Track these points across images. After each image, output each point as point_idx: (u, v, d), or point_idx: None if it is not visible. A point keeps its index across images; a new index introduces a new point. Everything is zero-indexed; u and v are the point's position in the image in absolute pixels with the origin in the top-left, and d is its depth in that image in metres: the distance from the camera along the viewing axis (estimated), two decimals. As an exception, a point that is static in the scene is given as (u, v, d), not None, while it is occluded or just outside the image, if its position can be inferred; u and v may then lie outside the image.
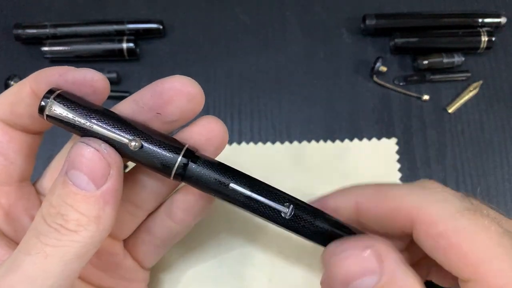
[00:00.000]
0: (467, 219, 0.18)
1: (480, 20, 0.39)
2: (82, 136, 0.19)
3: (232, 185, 0.20)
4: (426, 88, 0.38)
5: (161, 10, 0.41)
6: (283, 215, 0.20)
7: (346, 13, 0.41)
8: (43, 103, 0.19)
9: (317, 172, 0.35)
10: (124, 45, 0.38)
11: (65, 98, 0.19)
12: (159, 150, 0.20)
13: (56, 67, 0.20)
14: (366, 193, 0.21)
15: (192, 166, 0.20)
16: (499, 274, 0.17)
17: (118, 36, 0.38)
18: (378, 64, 0.37)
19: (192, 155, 0.20)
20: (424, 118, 0.37)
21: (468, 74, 0.38)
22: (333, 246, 0.19)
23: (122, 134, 0.19)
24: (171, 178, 0.20)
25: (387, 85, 0.38)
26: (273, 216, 0.20)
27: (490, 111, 0.38)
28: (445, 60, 0.38)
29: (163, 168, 0.20)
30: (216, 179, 0.20)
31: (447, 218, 0.18)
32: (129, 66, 0.39)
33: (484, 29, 0.38)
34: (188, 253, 0.33)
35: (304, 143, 0.36)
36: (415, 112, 0.37)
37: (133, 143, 0.19)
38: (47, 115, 0.19)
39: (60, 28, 0.38)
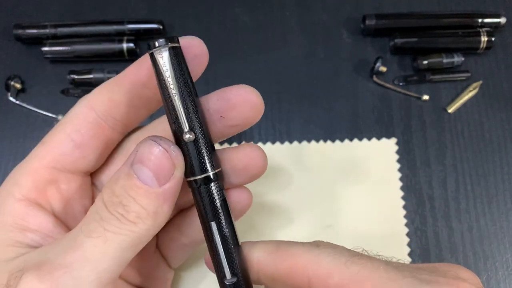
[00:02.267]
0: (357, 265, 0.19)
1: (479, 20, 0.39)
2: (163, 94, 0.20)
3: (213, 224, 0.21)
4: (426, 88, 0.38)
5: (161, 10, 0.41)
6: (224, 279, 0.21)
7: (346, 13, 0.41)
8: (157, 43, 0.19)
9: (317, 172, 0.35)
10: (124, 45, 0.38)
11: (177, 54, 0.20)
12: (198, 157, 0.20)
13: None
14: (268, 248, 0.21)
15: (207, 185, 0.21)
16: None
17: (118, 36, 0.38)
18: (378, 64, 0.37)
19: (212, 179, 0.21)
20: (424, 118, 0.37)
21: (468, 74, 0.38)
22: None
23: (189, 120, 0.20)
24: (186, 180, 0.21)
25: (387, 85, 0.38)
26: (218, 272, 0.21)
27: (490, 111, 0.38)
28: (445, 60, 0.38)
29: (188, 172, 0.20)
30: (211, 208, 0.21)
31: (339, 268, 0.19)
32: (129, 66, 0.39)
33: (484, 29, 0.38)
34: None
35: (304, 143, 0.36)
36: (415, 112, 0.37)
37: (188, 136, 0.20)
38: (151, 54, 0.19)
39: (60, 28, 0.38)
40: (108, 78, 0.37)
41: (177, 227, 0.26)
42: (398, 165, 0.36)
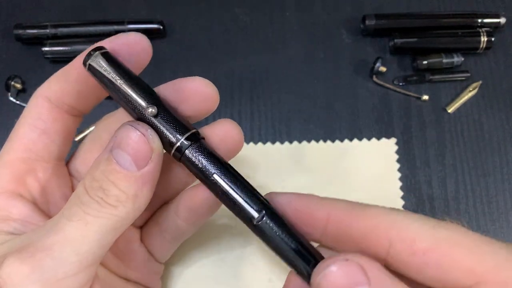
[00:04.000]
0: (446, 229, 0.18)
1: (479, 20, 0.39)
2: (111, 94, 0.21)
3: (215, 176, 0.21)
4: (426, 88, 0.38)
5: (161, 10, 0.41)
6: (253, 220, 0.20)
7: (346, 14, 0.41)
8: (87, 56, 0.21)
9: (317, 172, 0.35)
10: (125, 45, 0.38)
11: (108, 55, 0.21)
12: (169, 126, 0.21)
13: (106, 39, 0.22)
14: (342, 207, 0.20)
15: (188, 149, 0.21)
16: (498, 270, 0.17)
17: (119, 36, 0.38)
18: (377, 64, 0.37)
19: (195, 139, 0.21)
20: (423, 118, 0.37)
21: (468, 74, 0.38)
22: (317, 267, 0.19)
23: (143, 98, 0.21)
24: (171, 155, 0.21)
25: (387, 85, 0.38)
26: (243, 218, 0.21)
27: (489, 111, 0.38)
28: (445, 60, 0.38)
29: (167, 144, 0.21)
30: (203, 166, 0.21)
31: (428, 232, 0.18)
32: (129, 66, 0.39)
33: (484, 29, 0.38)
34: (188, 253, 0.33)
35: (304, 143, 0.36)
36: (415, 112, 0.38)
37: (150, 110, 0.21)
38: (89, 65, 0.21)
39: (61, 29, 0.38)
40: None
41: (157, 222, 0.27)
42: (397, 165, 0.36)
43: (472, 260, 0.17)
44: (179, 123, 0.21)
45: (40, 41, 0.38)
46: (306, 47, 0.40)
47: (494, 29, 0.39)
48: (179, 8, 0.41)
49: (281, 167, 0.35)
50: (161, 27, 0.39)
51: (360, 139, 0.37)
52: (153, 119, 0.21)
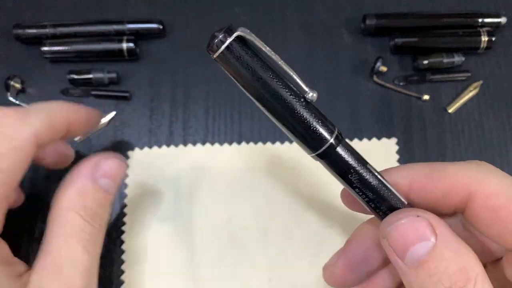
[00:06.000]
0: None
1: (480, 20, 0.39)
2: (255, 82, 0.19)
3: (368, 166, 0.21)
4: (426, 88, 0.38)
5: (161, 10, 0.41)
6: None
7: (346, 13, 0.40)
8: (220, 37, 0.18)
9: (317, 172, 0.35)
10: (124, 45, 0.38)
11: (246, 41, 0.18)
12: (321, 117, 0.20)
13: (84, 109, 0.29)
14: (422, 170, 0.21)
15: (338, 148, 0.20)
16: None
17: (118, 36, 0.38)
18: (378, 64, 0.37)
19: (339, 138, 0.20)
20: (424, 118, 0.37)
21: (468, 74, 0.38)
22: (389, 217, 0.20)
23: (304, 82, 0.19)
24: (315, 153, 0.20)
25: (387, 85, 0.38)
26: (390, 207, 0.21)
27: (490, 111, 0.38)
28: (445, 60, 0.38)
29: (313, 137, 0.20)
30: (355, 158, 0.21)
31: (507, 190, 0.19)
32: (129, 66, 0.39)
33: (484, 29, 0.38)
34: (188, 253, 0.33)
35: (304, 143, 0.36)
36: (415, 112, 0.37)
37: (311, 94, 0.20)
38: (228, 47, 0.18)
39: (60, 28, 0.38)
40: (108, 78, 0.37)
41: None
42: (398, 165, 0.36)
43: None
44: (326, 119, 0.20)
45: (39, 40, 0.38)
46: (306, 46, 0.40)
47: (495, 29, 0.39)
48: (179, 7, 0.41)
49: (282, 167, 0.35)
50: (161, 27, 0.39)
51: (360, 139, 0.36)
52: (308, 107, 0.20)
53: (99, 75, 0.37)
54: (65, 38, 0.38)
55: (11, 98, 0.37)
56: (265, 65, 0.18)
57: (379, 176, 0.21)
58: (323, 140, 0.20)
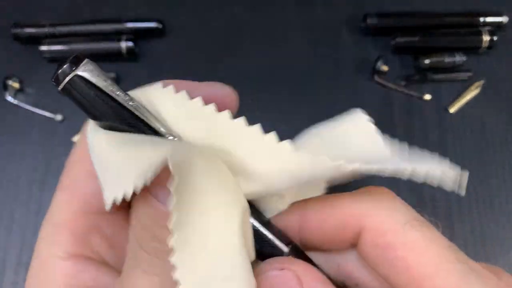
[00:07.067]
0: (415, 231, 0.17)
1: (481, 19, 0.39)
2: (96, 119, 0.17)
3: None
4: (428, 88, 0.38)
5: (160, 8, 0.40)
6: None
7: (347, 12, 0.40)
8: (70, 66, 0.17)
9: (318, 172, 0.35)
10: (123, 44, 0.37)
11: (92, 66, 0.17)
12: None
13: None
14: (312, 208, 0.20)
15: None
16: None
17: (117, 35, 0.38)
18: (379, 63, 0.37)
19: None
20: (425, 118, 0.37)
21: (470, 74, 0.38)
22: (263, 264, 0.19)
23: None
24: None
25: (388, 84, 0.38)
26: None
27: (491, 110, 0.37)
28: (447, 60, 0.37)
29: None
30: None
31: (396, 228, 0.17)
32: (128, 66, 0.38)
33: (486, 28, 0.38)
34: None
35: (305, 143, 0.36)
36: (417, 112, 0.37)
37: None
38: (77, 76, 0.17)
39: (59, 27, 0.38)
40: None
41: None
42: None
43: (424, 273, 0.16)
44: None
45: (38, 40, 0.38)
46: (306, 46, 0.39)
47: (496, 28, 0.39)
48: (179, 6, 0.41)
49: (282, 167, 0.35)
50: (161, 26, 0.39)
51: (361, 139, 0.36)
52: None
53: (98, 74, 0.37)
54: (63, 38, 0.38)
55: (9, 98, 0.37)
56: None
57: (258, 227, 0.20)
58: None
